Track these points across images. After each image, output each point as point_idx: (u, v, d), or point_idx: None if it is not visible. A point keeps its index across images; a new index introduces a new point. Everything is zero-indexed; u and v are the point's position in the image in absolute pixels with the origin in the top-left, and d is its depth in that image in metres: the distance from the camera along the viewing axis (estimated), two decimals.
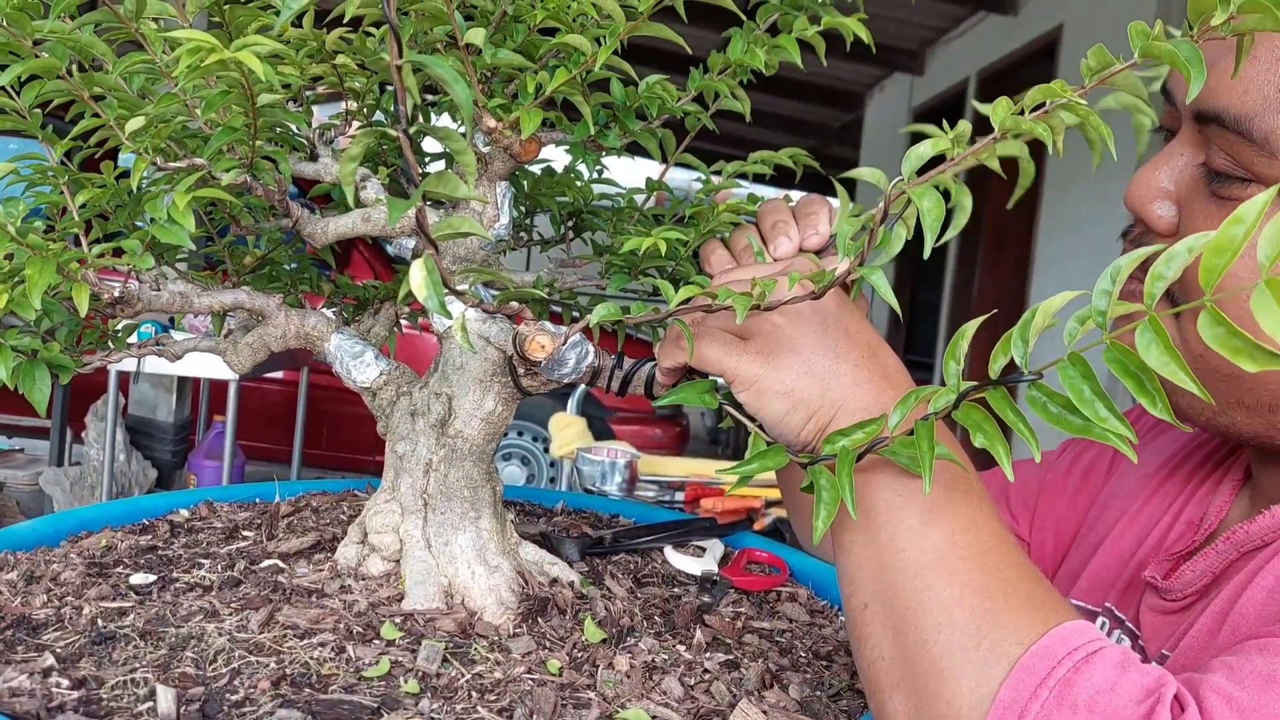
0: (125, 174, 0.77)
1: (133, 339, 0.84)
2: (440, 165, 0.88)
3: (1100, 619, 0.82)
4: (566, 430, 2.74)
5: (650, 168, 0.99)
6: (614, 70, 0.69)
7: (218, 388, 4.20)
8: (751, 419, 0.66)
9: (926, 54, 7.80)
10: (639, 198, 0.96)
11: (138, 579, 0.75)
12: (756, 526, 2.16)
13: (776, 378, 0.64)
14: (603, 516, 1.06)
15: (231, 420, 3.31)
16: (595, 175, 0.95)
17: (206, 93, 0.55)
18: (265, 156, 0.64)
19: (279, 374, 5.15)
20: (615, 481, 2.28)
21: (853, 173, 0.64)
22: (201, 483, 3.78)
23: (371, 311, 0.96)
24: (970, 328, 0.52)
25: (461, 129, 0.56)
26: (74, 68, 0.63)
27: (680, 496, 2.28)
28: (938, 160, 0.55)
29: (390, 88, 0.87)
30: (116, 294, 0.68)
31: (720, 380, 0.69)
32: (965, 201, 0.68)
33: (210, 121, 0.62)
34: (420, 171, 0.50)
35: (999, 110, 0.50)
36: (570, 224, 0.97)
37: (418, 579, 0.74)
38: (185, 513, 0.94)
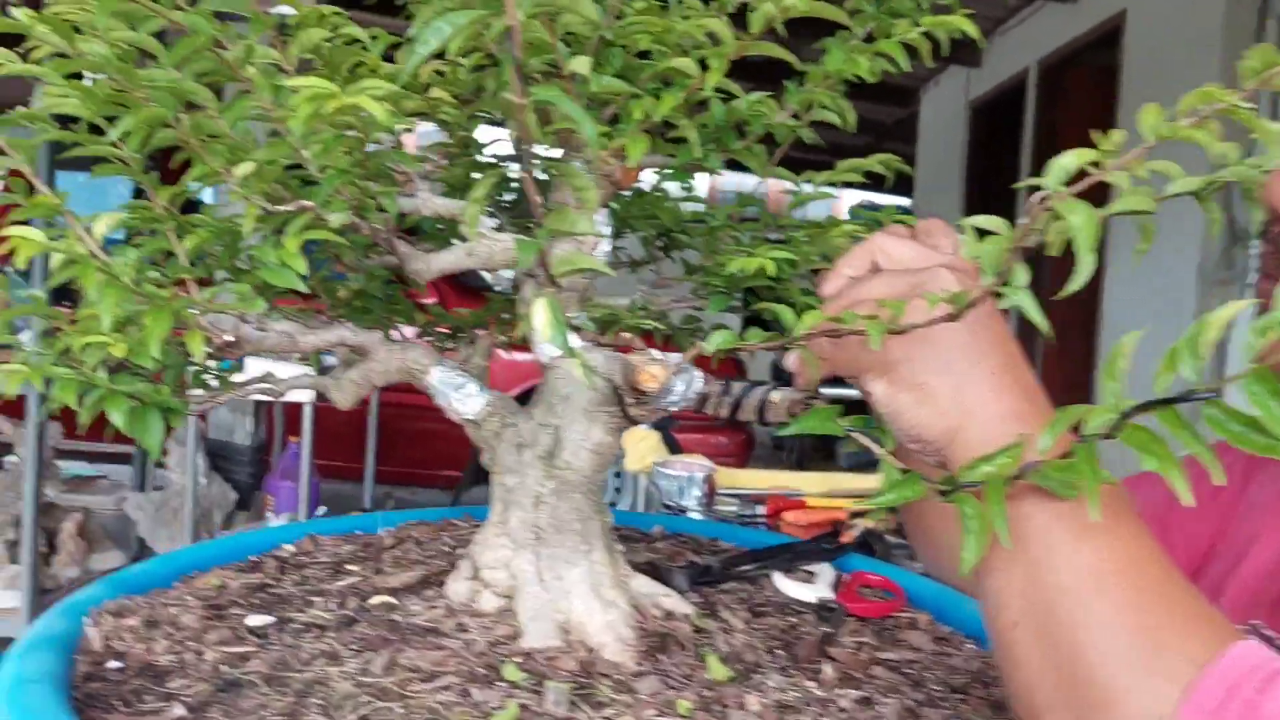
0: (194, 206, 0.77)
1: (237, 377, 0.84)
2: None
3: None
4: (641, 444, 2.72)
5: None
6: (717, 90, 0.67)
7: (291, 410, 4.26)
8: (878, 442, 0.63)
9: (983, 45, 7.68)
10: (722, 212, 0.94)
11: (254, 620, 0.75)
12: (844, 539, 2.12)
13: (911, 369, 0.62)
14: (703, 541, 1.04)
15: (308, 441, 3.35)
16: (684, 193, 0.93)
17: (322, 136, 0.55)
18: (371, 196, 0.64)
19: None
20: (693, 496, 2.26)
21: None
22: (279, 503, 3.82)
23: (466, 340, 0.95)
24: (1129, 342, 0.49)
25: (578, 160, 0.55)
26: (183, 114, 0.63)
27: (761, 510, 2.25)
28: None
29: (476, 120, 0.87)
30: (229, 338, 0.67)
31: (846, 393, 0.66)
32: (1086, 260, 0.64)
33: (318, 164, 0.61)
34: (542, 206, 0.48)
35: (1149, 117, 0.47)
36: (660, 244, 0.95)
37: (533, 616, 0.73)
38: (290, 548, 0.94)
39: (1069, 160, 0.49)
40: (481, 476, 5.60)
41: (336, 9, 0.59)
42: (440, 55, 0.75)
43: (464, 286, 5.52)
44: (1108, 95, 5.62)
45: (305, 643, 0.71)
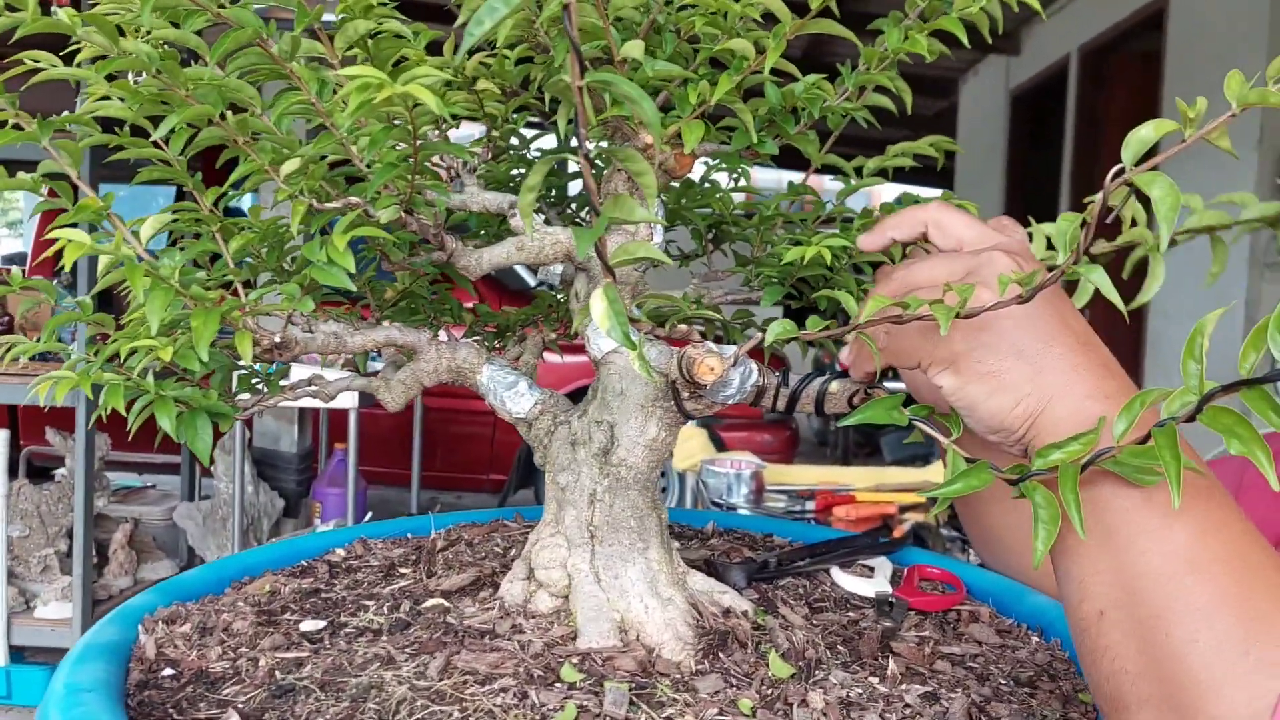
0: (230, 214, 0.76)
1: (285, 380, 0.83)
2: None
3: None
4: (689, 443, 2.70)
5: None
6: (772, 74, 0.66)
7: (336, 417, 4.29)
8: (945, 432, 0.61)
9: (1022, 33, 7.56)
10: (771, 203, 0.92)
11: (308, 626, 0.74)
12: (895, 534, 2.09)
13: (979, 357, 0.59)
14: (757, 537, 1.02)
15: (353, 448, 3.37)
16: (734, 184, 0.92)
17: (371, 129, 0.53)
18: (419, 191, 0.63)
19: None
20: (742, 493, 2.23)
21: None
22: (326, 510, 3.85)
23: (515, 339, 0.94)
24: (1209, 322, 0.47)
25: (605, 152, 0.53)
26: (229, 112, 0.62)
27: (810, 506, 2.23)
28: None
29: (523, 113, 0.85)
30: (277, 339, 0.66)
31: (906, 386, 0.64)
32: (1158, 270, 0.62)
33: (365, 158, 0.60)
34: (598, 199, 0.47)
35: (1233, 84, 0.45)
36: (710, 236, 0.94)
37: (589, 615, 0.72)
38: (341, 552, 0.94)
39: (1147, 132, 0.47)
40: (527, 479, 5.60)
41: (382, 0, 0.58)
42: (483, 47, 0.74)
43: (503, 287, 5.53)
44: (1151, 81, 5.52)
45: (359, 647, 0.70)
